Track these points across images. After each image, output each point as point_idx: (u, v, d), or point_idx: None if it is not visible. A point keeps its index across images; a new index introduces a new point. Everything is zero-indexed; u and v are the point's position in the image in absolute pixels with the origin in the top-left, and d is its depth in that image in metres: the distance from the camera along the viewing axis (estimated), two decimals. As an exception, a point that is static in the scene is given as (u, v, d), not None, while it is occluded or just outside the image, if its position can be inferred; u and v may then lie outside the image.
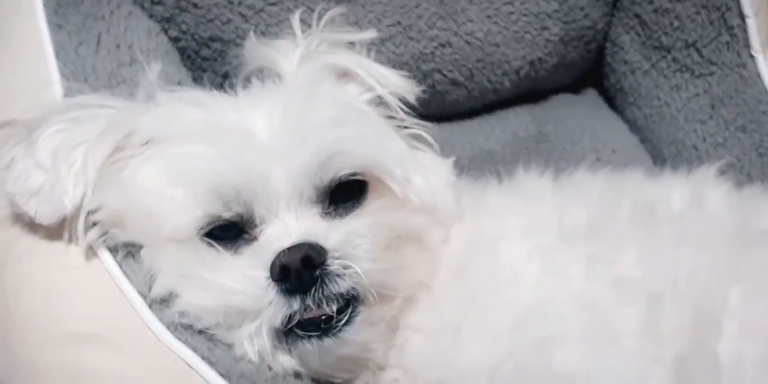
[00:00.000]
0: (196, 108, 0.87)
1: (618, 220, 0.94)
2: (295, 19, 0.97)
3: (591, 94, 1.55)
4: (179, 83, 1.01)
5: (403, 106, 0.97)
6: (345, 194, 0.87)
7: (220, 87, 1.00)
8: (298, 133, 0.84)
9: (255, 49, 0.98)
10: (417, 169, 0.92)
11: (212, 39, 1.22)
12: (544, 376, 0.83)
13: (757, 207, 0.99)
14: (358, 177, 0.87)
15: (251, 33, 1.03)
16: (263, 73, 0.98)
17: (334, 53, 0.95)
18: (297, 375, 0.84)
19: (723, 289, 0.88)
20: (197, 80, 1.19)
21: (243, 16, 1.20)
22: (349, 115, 0.90)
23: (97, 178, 0.83)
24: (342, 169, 0.86)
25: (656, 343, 0.85)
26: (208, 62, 1.24)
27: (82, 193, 0.82)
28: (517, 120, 1.44)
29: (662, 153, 1.39)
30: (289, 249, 0.80)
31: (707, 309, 0.86)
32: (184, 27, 1.20)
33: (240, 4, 1.20)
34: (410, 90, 0.99)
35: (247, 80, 0.98)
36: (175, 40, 1.19)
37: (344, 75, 0.98)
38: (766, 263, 0.90)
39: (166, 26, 1.17)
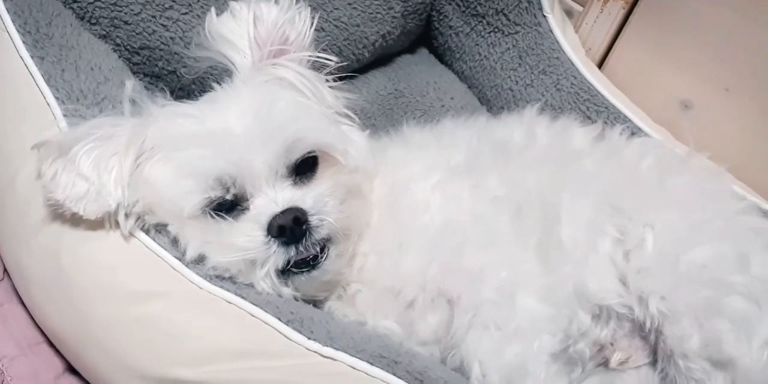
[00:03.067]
0: (185, 118, 1.08)
1: (484, 156, 1.22)
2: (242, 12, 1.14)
3: (423, 53, 1.80)
4: (141, 91, 1.12)
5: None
6: (304, 167, 1.10)
7: (150, 84, 1.22)
8: (267, 129, 1.06)
9: (212, 41, 1.14)
10: (348, 142, 1.17)
11: (141, 48, 1.39)
12: (459, 271, 1.11)
13: (568, 133, 1.31)
14: (313, 154, 1.10)
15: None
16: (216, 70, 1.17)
17: (284, 68, 1.14)
18: (295, 298, 1.09)
19: (557, 194, 1.19)
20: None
21: (164, 26, 1.38)
22: (301, 111, 1.13)
23: (129, 180, 1.04)
24: (302, 150, 1.09)
25: (523, 236, 1.15)
26: (138, 66, 1.41)
27: (121, 193, 1.03)
28: (376, 82, 1.67)
29: (486, 95, 1.67)
30: (282, 213, 1.04)
31: (550, 209, 1.18)
32: (118, 41, 1.36)
33: (161, 16, 1.37)
34: (337, 105, 1.20)
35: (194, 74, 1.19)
36: (115, 53, 1.34)
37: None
38: (582, 172, 1.23)
39: (103, 42, 1.33)
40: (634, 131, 1.47)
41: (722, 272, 1.15)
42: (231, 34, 1.14)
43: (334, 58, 1.19)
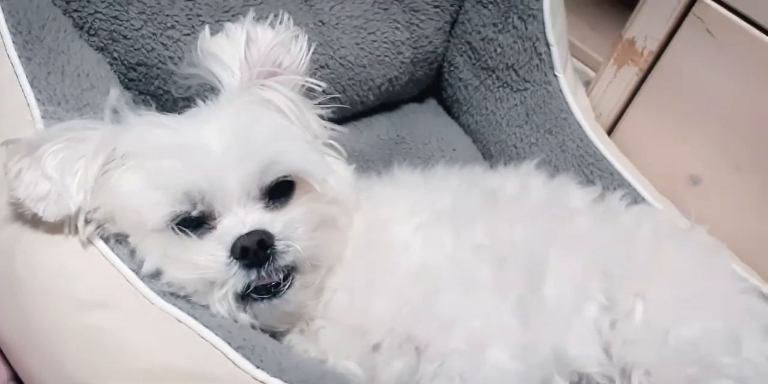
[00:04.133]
0: (162, 129, 1.06)
1: (472, 203, 1.19)
2: (248, 19, 1.13)
3: (432, 103, 1.78)
4: (127, 103, 1.12)
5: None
6: (279, 191, 1.08)
7: (144, 102, 1.20)
8: (244, 148, 1.04)
9: (202, 58, 1.14)
10: (329, 172, 1.14)
11: (138, 64, 1.38)
12: (430, 316, 1.06)
13: (566, 191, 1.28)
14: (288, 178, 1.08)
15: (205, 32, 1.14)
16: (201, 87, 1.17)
17: (273, 90, 1.13)
18: (252, 326, 1.05)
19: (545, 250, 1.15)
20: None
21: (164, 44, 1.38)
22: (282, 134, 1.11)
23: (93, 185, 1.02)
24: (278, 173, 1.07)
25: (504, 288, 1.10)
26: (134, 82, 1.40)
27: (83, 198, 1.01)
28: (379, 125, 1.66)
29: (490, 151, 1.64)
30: (247, 234, 1.01)
31: (536, 265, 1.14)
32: (115, 55, 1.36)
33: (161, 35, 1.37)
34: (323, 134, 1.19)
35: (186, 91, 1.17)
36: (108, 64, 1.34)
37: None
38: (574, 231, 1.19)
39: (100, 54, 1.33)
40: (637, 200, 1.42)
41: (712, 351, 1.09)
42: (221, 53, 1.13)
43: (323, 85, 1.18)
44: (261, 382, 0.96)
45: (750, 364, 1.08)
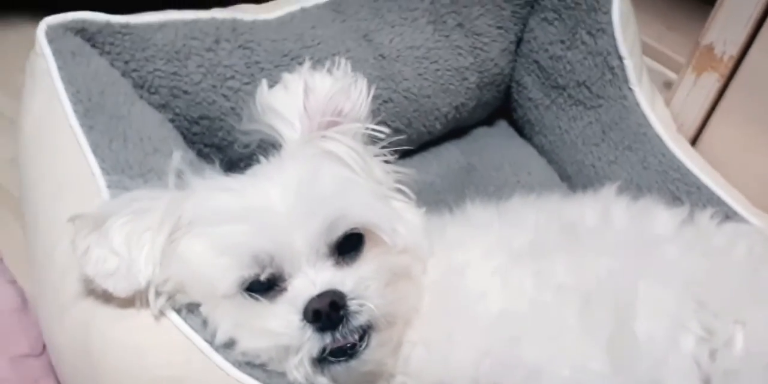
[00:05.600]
0: (225, 193, 1.04)
1: (550, 239, 1.14)
2: (305, 68, 1.11)
3: (502, 125, 1.73)
4: (191, 163, 1.13)
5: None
6: (348, 246, 1.05)
7: (208, 157, 1.19)
8: (309, 205, 1.02)
9: (262, 113, 1.12)
10: (398, 220, 1.11)
11: (201, 117, 1.37)
12: (516, 366, 1.02)
13: (650, 216, 1.21)
14: (357, 231, 1.05)
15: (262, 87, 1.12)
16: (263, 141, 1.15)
17: (334, 141, 1.11)
18: None
19: (633, 282, 1.08)
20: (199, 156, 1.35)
21: (225, 96, 1.37)
22: (346, 187, 1.08)
23: (161, 257, 1.01)
24: (345, 228, 1.04)
25: (591, 330, 1.04)
26: (198, 136, 1.39)
27: (152, 271, 0.99)
28: (448, 154, 1.62)
29: (567, 171, 1.58)
30: (318, 296, 0.98)
31: (624, 299, 1.07)
32: (177, 110, 1.35)
33: (222, 86, 1.36)
34: (389, 181, 1.16)
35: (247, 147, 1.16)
36: (170, 121, 1.34)
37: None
38: (662, 260, 1.12)
39: (162, 111, 1.33)
40: (729, 215, 1.34)
41: (821, 381, 1.01)
42: (281, 106, 1.11)
43: (386, 130, 1.14)
44: (339, 448, 0.93)
45: None
